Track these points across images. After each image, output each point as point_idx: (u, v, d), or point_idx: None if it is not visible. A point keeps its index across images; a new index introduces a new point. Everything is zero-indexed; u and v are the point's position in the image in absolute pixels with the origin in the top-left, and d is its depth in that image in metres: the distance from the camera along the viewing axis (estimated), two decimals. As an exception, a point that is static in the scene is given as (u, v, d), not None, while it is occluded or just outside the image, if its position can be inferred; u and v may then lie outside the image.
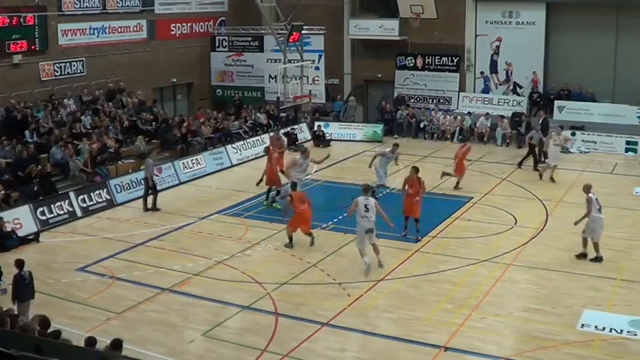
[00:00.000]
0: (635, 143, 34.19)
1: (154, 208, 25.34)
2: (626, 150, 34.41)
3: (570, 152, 34.55)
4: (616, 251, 20.85)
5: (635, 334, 15.54)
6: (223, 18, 42.64)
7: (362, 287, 18.19)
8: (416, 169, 22.08)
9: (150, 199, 25.55)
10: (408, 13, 38.31)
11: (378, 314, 16.82)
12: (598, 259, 19.84)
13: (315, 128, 37.52)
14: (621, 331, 15.67)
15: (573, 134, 35.14)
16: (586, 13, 37.12)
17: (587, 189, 20.25)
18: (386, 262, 19.70)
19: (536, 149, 30.75)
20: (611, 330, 15.70)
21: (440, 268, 19.50)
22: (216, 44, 42.08)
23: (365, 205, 19.12)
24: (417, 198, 21.66)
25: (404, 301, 17.46)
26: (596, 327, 15.85)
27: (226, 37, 41.91)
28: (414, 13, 38.03)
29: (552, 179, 28.53)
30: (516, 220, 23.66)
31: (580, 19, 37.24)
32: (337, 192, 27.11)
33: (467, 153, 28.38)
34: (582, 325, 15.91)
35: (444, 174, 27.55)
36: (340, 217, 23.30)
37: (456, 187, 27.67)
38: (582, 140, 34.94)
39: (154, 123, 33.54)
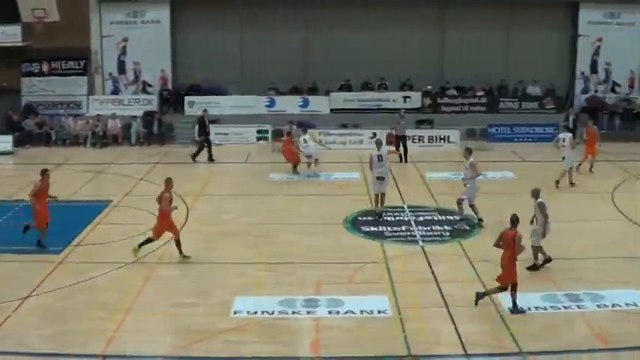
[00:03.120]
0: (266, 132, 35.67)
1: None
2: (258, 139, 35.77)
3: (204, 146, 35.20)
4: (257, 236, 21.54)
5: (287, 313, 16.15)
6: None
7: (9, 307, 16.96)
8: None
9: None
10: (30, 17, 36.65)
11: (30, 333, 15.77)
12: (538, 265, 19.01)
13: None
14: (272, 312, 16.17)
15: (207, 128, 35.80)
16: (211, 9, 37.93)
17: (535, 194, 19.18)
18: (28, 277, 18.58)
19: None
20: (263, 312, 16.13)
21: (88, 275, 18.75)
22: None
23: (378, 156, 23.49)
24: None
25: (55, 315, 16.52)
26: (248, 312, 16.19)
27: None
28: (36, 17, 36.47)
29: None
30: (159, 218, 23.53)
31: (205, 15, 38.08)
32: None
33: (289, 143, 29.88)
34: (235, 312, 16.17)
35: None
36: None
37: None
38: (216, 133, 35.61)
39: None
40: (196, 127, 32.80)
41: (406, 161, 32.24)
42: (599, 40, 39.49)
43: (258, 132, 35.94)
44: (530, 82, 39.19)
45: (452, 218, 23.31)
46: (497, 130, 36.55)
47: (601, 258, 19.79)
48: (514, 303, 16.32)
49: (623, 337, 15.14)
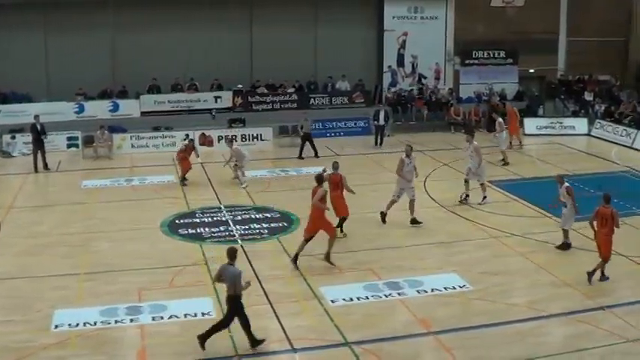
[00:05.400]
0: (77, 138, 34.76)
1: None
2: (68, 146, 34.83)
3: (13, 156, 33.93)
4: (74, 247, 21.13)
5: (109, 323, 15.98)
6: None
7: None
8: None
9: None
10: None
11: None
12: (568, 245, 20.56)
13: None
14: (95, 323, 15.95)
15: (13, 137, 34.48)
16: (13, 13, 36.24)
17: (560, 178, 20.60)
18: None
19: None
20: (85, 324, 15.86)
21: None
22: None
23: (407, 164, 22.91)
24: None
25: None
26: (69, 325, 15.86)
27: None
28: None
29: None
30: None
31: (7, 19, 36.15)
32: None
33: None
34: (56, 326, 15.81)
35: None
36: None
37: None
38: (23, 142, 34.27)
39: None
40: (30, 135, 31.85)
41: (317, 156, 32.71)
42: (405, 34, 41.12)
43: (69, 139, 34.98)
44: (340, 78, 40.20)
45: (269, 215, 23.71)
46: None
47: (417, 245, 20.75)
48: (602, 273, 18.12)
49: (444, 320, 16.00)
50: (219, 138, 34.56)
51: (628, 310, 16.56)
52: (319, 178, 20.16)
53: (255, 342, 14.76)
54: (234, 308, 14.69)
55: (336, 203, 21.48)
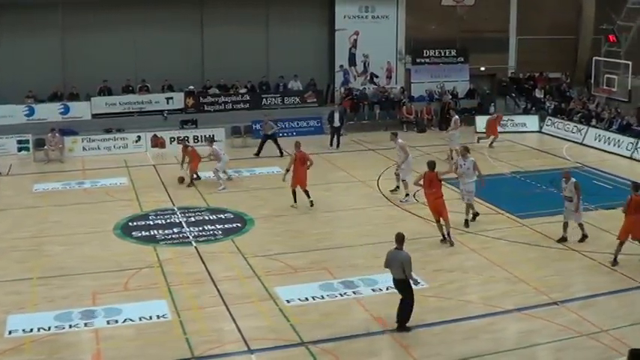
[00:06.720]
0: (27, 141, 34.30)
1: None
2: (19, 149, 34.36)
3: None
4: (27, 251, 20.86)
5: (64, 328, 15.80)
6: None
7: None
8: None
9: None
10: None
11: None
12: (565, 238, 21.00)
13: None
14: (49, 327, 15.76)
15: None
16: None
17: (568, 175, 21.16)
18: None
19: None
20: (39, 329, 15.67)
21: None
22: None
23: (461, 165, 23.05)
24: None
25: None
26: (23, 330, 15.65)
27: None
28: None
29: None
30: None
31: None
32: None
33: None
34: (10, 332, 15.59)
35: None
36: None
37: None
38: (-26, 147, 33.86)
39: None
40: None
41: (281, 155, 32.64)
42: (356, 33, 41.25)
43: (19, 142, 34.50)
44: (291, 78, 40.19)
45: (223, 217, 23.65)
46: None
47: (371, 244, 20.78)
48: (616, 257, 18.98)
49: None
50: (172, 139, 34.38)
51: (582, 304, 16.81)
52: (432, 164, 21.45)
53: (403, 327, 15.41)
54: (408, 289, 15.36)
55: (301, 176, 24.46)
